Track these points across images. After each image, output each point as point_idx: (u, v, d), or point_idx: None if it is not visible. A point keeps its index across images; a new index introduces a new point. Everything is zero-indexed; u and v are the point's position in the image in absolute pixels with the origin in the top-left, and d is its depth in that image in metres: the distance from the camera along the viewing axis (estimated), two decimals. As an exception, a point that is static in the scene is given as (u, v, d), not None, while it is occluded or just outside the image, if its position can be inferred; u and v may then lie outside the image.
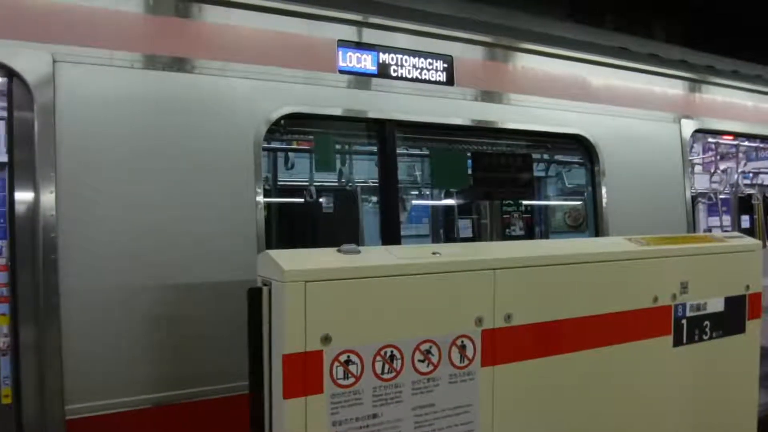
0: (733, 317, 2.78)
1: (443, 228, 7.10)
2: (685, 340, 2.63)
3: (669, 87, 4.01)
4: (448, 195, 6.65)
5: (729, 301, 2.76)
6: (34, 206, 2.21)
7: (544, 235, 7.37)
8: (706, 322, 2.69)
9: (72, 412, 2.19)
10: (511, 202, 6.50)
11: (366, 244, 5.18)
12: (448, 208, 6.85)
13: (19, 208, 2.23)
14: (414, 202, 7.14)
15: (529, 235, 6.91)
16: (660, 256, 2.55)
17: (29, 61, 2.22)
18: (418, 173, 6.78)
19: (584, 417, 2.35)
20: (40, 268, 2.19)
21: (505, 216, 6.69)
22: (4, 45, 2.20)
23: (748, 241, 2.91)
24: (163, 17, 2.50)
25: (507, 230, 6.71)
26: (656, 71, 3.94)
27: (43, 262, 2.19)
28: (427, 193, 7.10)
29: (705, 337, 2.69)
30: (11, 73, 2.22)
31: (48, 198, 2.20)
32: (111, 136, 2.34)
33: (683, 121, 4.01)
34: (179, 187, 2.44)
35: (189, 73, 2.51)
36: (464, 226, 6.67)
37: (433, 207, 7.20)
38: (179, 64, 2.49)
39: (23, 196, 2.24)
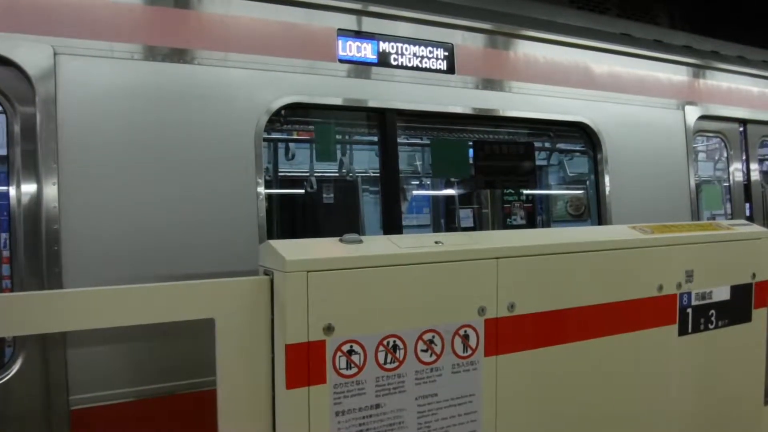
0: (739, 306, 2.76)
1: (444, 218, 7.09)
2: (690, 329, 2.62)
3: (673, 73, 3.97)
4: (448, 184, 6.63)
5: (735, 289, 2.75)
6: (37, 198, 2.21)
7: (546, 224, 7.35)
8: (712, 311, 2.68)
9: (76, 403, 2.19)
10: (513, 191, 6.48)
11: (367, 234, 5.17)
12: (449, 198, 6.83)
13: (23, 200, 2.22)
14: (415, 192, 7.13)
15: (531, 224, 6.90)
16: (665, 244, 2.53)
17: (30, 53, 2.20)
18: (418, 163, 6.75)
19: (588, 407, 2.34)
20: (43, 260, 2.18)
21: (506, 205, 6.67)
22: (5, 38, 2.18)
23: (755, 228, 2.89)
24: (163, 8, 2.47)
25: (508, 219, 6.69)
26: (660, 57, 3.90)
27: (46, 254, 2.18)
28: (428, 182, 7.08)
29: (711, 326, 2.68)
30: (13, 66, 2.21)
31: (51, 190, 2.20)
32: (112, 128, 2.33)
33: (687, 107, 3.98)
34: (181, 178, 2.43)
35: (189, 63, 2.49)
36: (465, 215, 6.66)
37: (434, 197, 7.19)
38: (179, 55, 2.47)
39: (26, 188, 2.23)
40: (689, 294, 2.60)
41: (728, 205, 4.46)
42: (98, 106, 2.32)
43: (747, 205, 4.44)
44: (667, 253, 2.54)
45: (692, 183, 3.92)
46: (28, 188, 2.23)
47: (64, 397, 2.19)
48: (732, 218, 4.28)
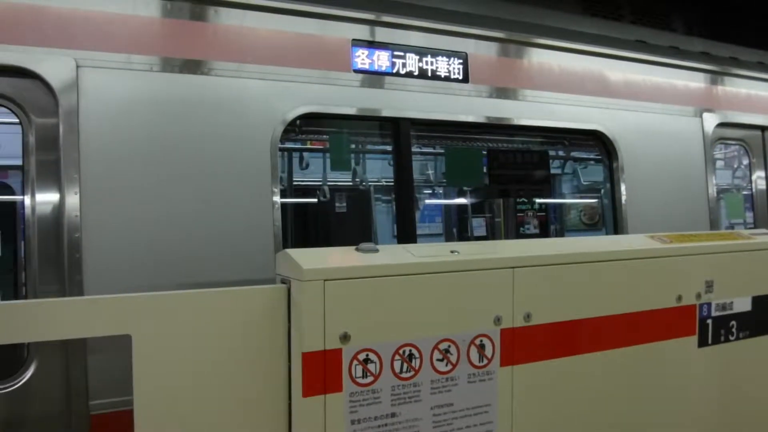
0: (761, 317, 2.71)
1: (457, 227, 7.07)
2: (710, 341, 2.57)
3: (690, 80, 3.94)
4: (461, 193, 6.61)
5: (756, 300, 2.70)
6: (59, 207, 2.25)
7: (559, 234, 7.30)
8: (733, 322, 2.63)
9: (96, 408, 2.21)
10: (526, 200, 6.45)
11: (379, 243, 5.16)
12: (462, 207, 6.82)
13: (45, 209, 2.26)
14: (427, 201, 7.12)
15: (544, 233, 6.85)
16: (683, 254, 2.50)
17: (54, 66, 2.25)
18: (431, 172, 6.75)
19: (605, 419, 2.31)
20: (65, 267, 2.22)
21: (519, 214, 6.64)
22: (30, 51, 2.23)
23: None
24: (179, 20, 2.51)
25: (521, 228, 6.66)
26: (676, 64, 3.87)
27: (68, 262, 2.22)
28: (441, 191, 7.07)
29: (731, 338, 2.63)
30: (37, 79, 2.26)
31: (73, 199, 2.24)
32: (132, 139, 2.37)
33: (705, 114, 3.94)
34: (198, 188, 2.46)
35: (206, 75, 2.52)
36: (478, 224, 6.64)
37: (446, 205, 7.17)
38: (196, 66, 2.51)
39: (49, 198, 2.27)
40: (709, 305, 2.56)
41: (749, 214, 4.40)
42: (118, 117, 2.36)
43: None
44: (686, 263, 2.51)
45: (711, 191, 3.88)
46: (51, 197, 2.27)
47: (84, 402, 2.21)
48: (755, 227, 4.22)
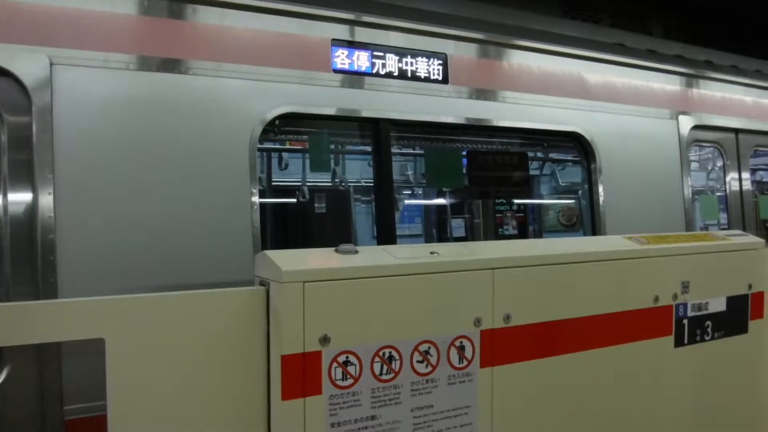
0: (735, 317, 2.76)
1: (436, 228, 7.09)
2: (686, 341, 2.61)
3: (666, 83, 4.00)
4: (441, 194, 6.63)
5: (731, 300, 2.75)
6: (33, 208, 2.19)
7: (538, 234, 7.37)
8: (708, 322, 2.68)
9: (70, 413, 2.16)
10: (505, 201, 6.50)
11: (359, 244, 5.14)
12: (441, 208, 6.84)
13: (17, 210, 2.20)
14: (407, 201, 7.13)
15: (523, 234, 6.91)
16: (660, 255, 2.54)
17: (27, 63, 2.20)
18: (410, 172, 6.76)
19: (584, 419, 2.33)
20: (39, 270, 2.17)
21: (498, 215, 6.69)
22: (2, 48, 2.18)
23: (751, 239, 2.89)
24: (157, 18, 2.47)
25: (500, 229, 6.70)
26: (653, 67, 3.93)
27: (42, 264, 2.17)
28: (420, 192, 7.09)
29: (707, 338, 2.68)
30: (9, 77, 2.20)
31: (46, 199, 2.18)
32: (107, 138, 2.33)
33: (681, 117, 4.01)
34: (175, 189, 2.42)
35: (184, 74, 2.49)
36: (457, 225, 6.67)
37: (426, 206, 7.19)
38: (174, 65, 2.47)
39: (21, 198, 2.21)
40: (685, 305, 2.60)
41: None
42: (94, 116, 2.31)
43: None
44: (662, 264, 2.54)
45: (686, 193, 3.95)
46: (24, 197, 2.20)
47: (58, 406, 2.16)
48: (729, 228, 4.31)
